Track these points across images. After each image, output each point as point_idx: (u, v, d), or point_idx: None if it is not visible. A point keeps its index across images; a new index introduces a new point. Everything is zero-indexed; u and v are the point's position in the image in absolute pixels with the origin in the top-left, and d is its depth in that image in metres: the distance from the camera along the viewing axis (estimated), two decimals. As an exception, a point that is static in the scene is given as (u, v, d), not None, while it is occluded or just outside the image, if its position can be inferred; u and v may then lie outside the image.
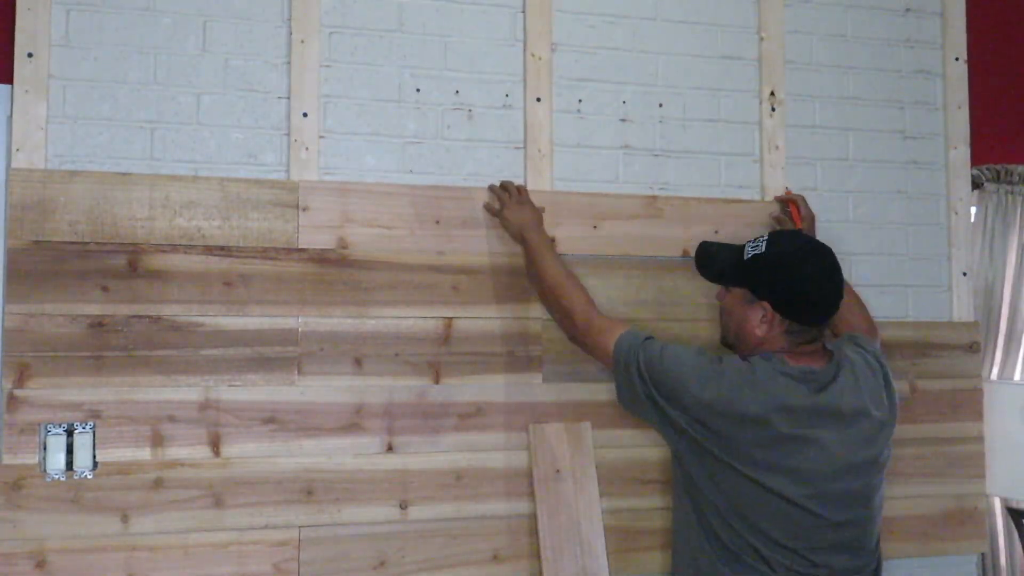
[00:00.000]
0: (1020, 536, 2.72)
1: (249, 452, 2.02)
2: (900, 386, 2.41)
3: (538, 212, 2.15)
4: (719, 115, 2.40)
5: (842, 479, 1.79)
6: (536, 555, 2.13)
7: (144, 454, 1.97)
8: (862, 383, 1.86)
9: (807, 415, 1.78)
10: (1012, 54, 2.80)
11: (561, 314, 2.03)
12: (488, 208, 2.19)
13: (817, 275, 1.85)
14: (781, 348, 1.85)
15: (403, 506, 2.09)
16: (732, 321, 1.95)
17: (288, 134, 2.12)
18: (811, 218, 2.31)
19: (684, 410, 1.82)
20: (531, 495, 2.15)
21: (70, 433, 1.93)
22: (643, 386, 1.85)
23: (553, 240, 2.19)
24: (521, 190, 2.18)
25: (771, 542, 1.78)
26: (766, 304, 1.86)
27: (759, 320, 1.87)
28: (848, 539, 1.81)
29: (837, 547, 1.80)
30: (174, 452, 1.98)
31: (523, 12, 2.28)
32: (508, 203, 2.14)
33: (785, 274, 1.86)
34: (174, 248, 2.02)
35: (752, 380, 1.79)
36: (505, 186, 2.18)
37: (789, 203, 2.33)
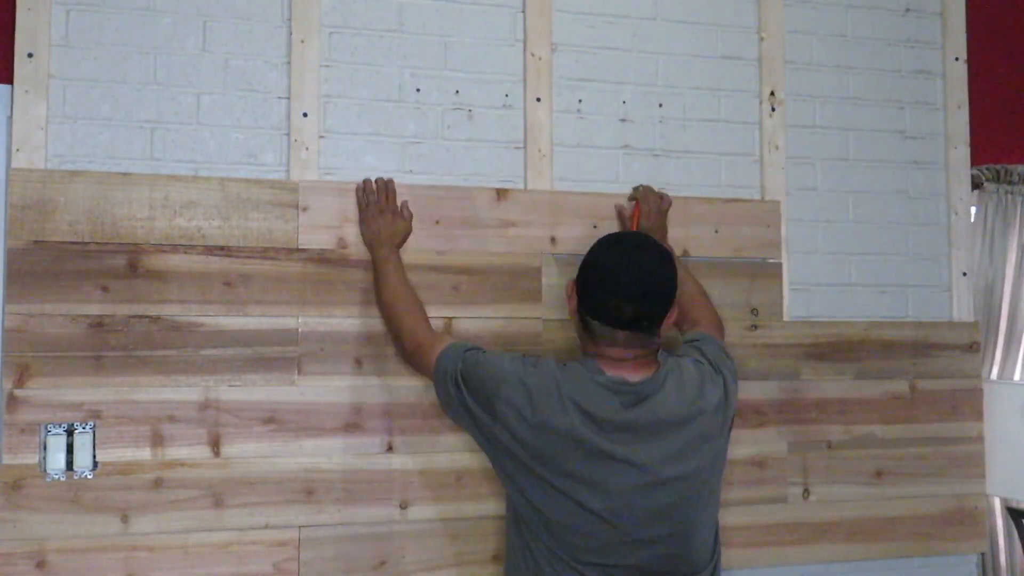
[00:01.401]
0: (1020, 536, 2.72)
1: (249, 452, 2.02)
2: (900, 386, 2.42)
3: (395, 224, 2.07)
4: (719, 115, 2.40)
5: (649, 495, 1.67)
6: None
7: (144, 454, 1.97)
8: (687, 394, 1.73)
9: (614, 429, 1.67)
10: (1012, 54, 2.80)
11: (393, 334, 2.00)
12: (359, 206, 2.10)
13: (613, 269, 1.70)
14: (598, 352, 1.73)
15: (403, 506, 2.09)
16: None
17: (288, 134, 2.12)
18: (659, 218, 2.18)
19: (495, 417, 1.73)
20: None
21: (70, 433, 1.93)
22: (459, 394, 1.78)
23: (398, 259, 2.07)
24: (389, 195, 2.08)
25: (577, 557, 1.69)
26: (574, 297, 1.78)
27: (573, 311, 1.79)
28: (658, 558, 1.70)
29: (645, 567, 1.70)
30: (174, 452, 1.98)
31: (523, 12, 2.28)
32: (368, 211, 2.07)
33: (586, 266, 1.76)
34: (174, 248, 2.02)
35: (560, 386, 1.69)
36: (368, 188, 2.09)
37: (636, 203, 2.20)
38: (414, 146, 2.20)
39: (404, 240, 2.10)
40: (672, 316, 1.76)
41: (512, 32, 2.28)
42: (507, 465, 1.76)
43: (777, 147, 2.42)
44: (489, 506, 2.13)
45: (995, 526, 2.80)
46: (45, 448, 1.91)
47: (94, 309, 1.96)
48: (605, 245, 1.78)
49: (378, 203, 2.08)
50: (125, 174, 2.01)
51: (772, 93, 2.43)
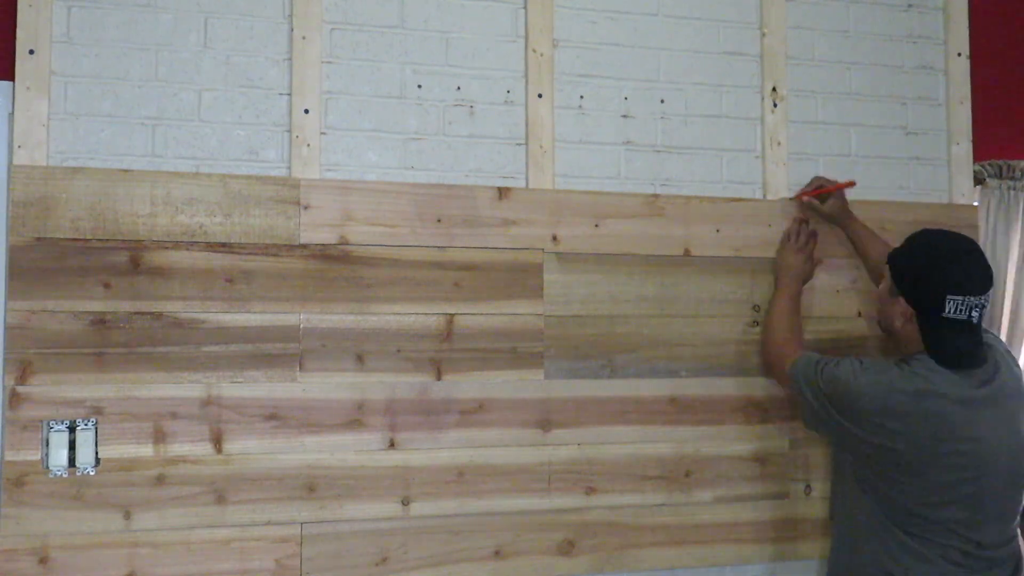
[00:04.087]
0: (1021, 529, 2.72)
1: (251, 448, 2.02)
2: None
3: (805, 266, 2.31)
4: (721, 111, 2.40)
5: (1003, 459, 1.87)
6: (538, 552, 2.14)
7: (146, 450, 1.97)
8: (1013, 371, 1.95)
9: (975, 406, 1.85)
10: (1015, 49, 2.79)
11: (764, 343, 2.27)
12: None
13: (946, 266, 1.87)
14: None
15: (405, 502, 2.09)
16: (879, 312, 2.07)
17: (290, 131, 2.12)
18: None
19: (860, 424, 1.90)
20: (532, 492, 2.15)
21: (72, 430, 1.93)
22: (824, 409, 1.97)
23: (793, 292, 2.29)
24: (810, 242, 2.34)
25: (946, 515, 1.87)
26: (901, 300, 1.93)
27: (898, 314, 1.94)
28: (1004, 511, 1.92)
29: (997, 517, 1.91)
30: (176, 448, 1.98)
31: (524, 8, 2.27)
32: (788, 244, 2.33)
33: (917, 266, 1.91)
34: (176, 244, 2.02)
35: (921, 380, 1.86)
36: (797, 228, 2.34)
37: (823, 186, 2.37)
38: (415, 142, 2.20)
39: (807, 280, 2.32)
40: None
41: (514, 28, 2.27)
42: (876, 460, 1.92)
43: (779, 143, 2.42)
44: (491, 502, 2.14)
45: (997, 522, 2.79)
46: (47, 445, 1.92)
47: (96, 306, 1.96)
48: (931, 245, 1.93)
49: (799, 242, 2.32)
50: (127, 171, 2.01)
51: (774, 89, 2.42)
